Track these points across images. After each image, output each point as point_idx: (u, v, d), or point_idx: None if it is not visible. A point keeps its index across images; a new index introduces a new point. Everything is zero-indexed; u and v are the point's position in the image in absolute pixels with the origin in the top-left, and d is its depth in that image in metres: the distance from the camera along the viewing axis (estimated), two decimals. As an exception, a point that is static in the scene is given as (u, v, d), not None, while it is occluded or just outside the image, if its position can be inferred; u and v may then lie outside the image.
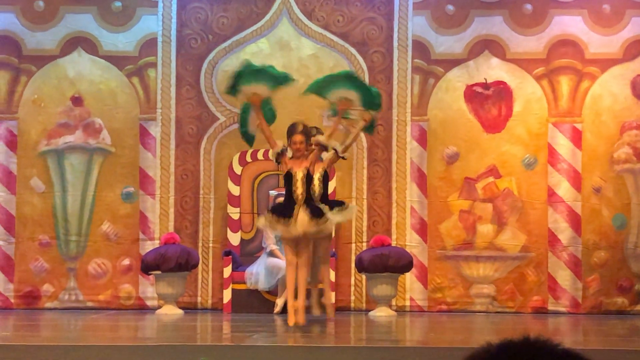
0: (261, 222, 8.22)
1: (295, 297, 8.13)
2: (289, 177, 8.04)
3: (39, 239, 10.33)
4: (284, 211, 8.01)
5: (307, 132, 8.16)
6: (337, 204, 8.22)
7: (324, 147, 8.15)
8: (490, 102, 10.35)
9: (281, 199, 9.49)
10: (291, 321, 7.94)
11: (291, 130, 8.12)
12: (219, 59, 10.44)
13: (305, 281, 8.12)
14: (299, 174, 7.98)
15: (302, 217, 7.90)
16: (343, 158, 8.33)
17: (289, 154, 8.20)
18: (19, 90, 10.41)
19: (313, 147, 8.15)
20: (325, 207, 8.03)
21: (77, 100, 10.42)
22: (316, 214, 7.93)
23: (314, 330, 7.95)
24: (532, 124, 10.34)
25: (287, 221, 7.90)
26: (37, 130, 10.39)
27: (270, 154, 8.24)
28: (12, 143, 10.37)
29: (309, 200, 7.97)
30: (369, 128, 8.77)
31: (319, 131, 8.36)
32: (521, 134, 10.32)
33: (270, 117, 8.44)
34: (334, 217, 8.03)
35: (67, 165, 10.39)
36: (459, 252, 10.29)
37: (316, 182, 8.06)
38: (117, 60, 10.43)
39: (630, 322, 9.38)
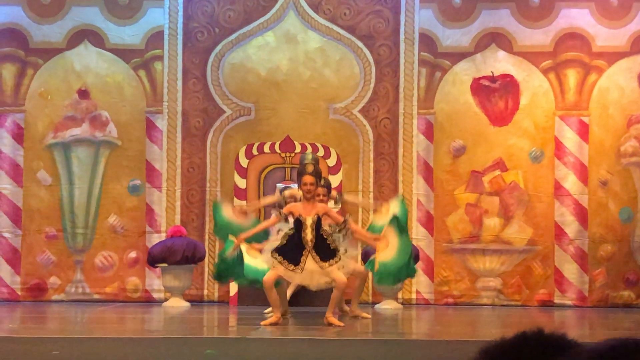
0: (266, 257, 7.86)
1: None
2: (298, 223, 7.74)
3: (45, 232, 10.35)
4: (292, 255, 7.69)
5: (318, 173, 7.80)
6: (333, 254, 7.87)
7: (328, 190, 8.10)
8: (497, 95, 10.34)
9: (287, 192, 9.47)
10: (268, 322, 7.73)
11: (302, 171, 7.76)
12: (225, 52, 10.44)
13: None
14: (309, 220, 7.68)
15: (310, 266, 7.65)
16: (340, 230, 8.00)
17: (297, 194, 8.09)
18: (25, 83, 10.42)
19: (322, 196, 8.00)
20: (337, 252, 7.74)
21: (83, 93, 10.43)
22: (326, 257, 7.68)
23: (319, 323, 7.95)
24: (539, 117, 10.32)
25: (294, 267, 7.66)
26: (43, 123, 10.41)
27: (275, 214, 8.09)
28: (18, 136, 10.39)
29: (317, 245, 7.73)
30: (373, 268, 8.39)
31: (317, 170, 7.96)
32: (528, 127, 10.31)
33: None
34: (345, 262, 7.77)
35: (73, 158, 10.40)
36: (466, 245, 10.29)
37: (324, 223, 7.81)
38: (123, 53, 10.43)
39: (636, 316, 9.36)
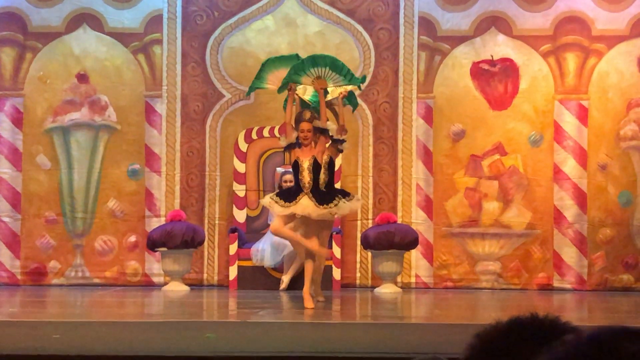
0: (265, 200, 8.17)
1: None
2: (296, 166, 7.98)
3: (45, 216, 10.35)
4: (288, 196, 7.95)
5: (315, 119, 8.04)
6: (343, 195, 8.10)
7: (321, 131, 8.03)
8: (497, 79, 10.33)
9: (286, 177, 9.50)
10: (308, 305, 7.81)
11: (299, 118, 7.99)
12: (224, 36, 10.42)
13: (313, 268, 8.01)
14: (306, 163, 7.89)
15: (306, 202, 7.84)
16: (341, 142, 8.12)
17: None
18: (24, 67, 10.40)
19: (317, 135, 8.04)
20: (338, 197, 7.92)
21: (82, 77, 10.41)
22: (323, 201, 7.84)
23: (319, 306, 7.97)
24: (538, 101, 10.31)
25: (289, 204, 7.84)
26: (42, 107, 10.40)
27: (282, 141, 8.12)
28: (17, 120, 10.38)
29: (316, 189, 7.89)
30: (352, 101, 8.64)
31: (314, 116, 8.13)
32: (527, 111, 10.30)
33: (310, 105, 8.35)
34: (342, 206, 7.92)
35: (72, 143, 10.39)
36: (465, 229, 10.30)
37: (322, 169, 7.95)
38: (122, 37, 10.41)
39: (635, 299, 9.39)
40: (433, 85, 10.35)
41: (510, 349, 1.29)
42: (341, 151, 8.24)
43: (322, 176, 7.94)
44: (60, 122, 10.37)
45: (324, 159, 7.95)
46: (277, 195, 8.04)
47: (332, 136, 8.09)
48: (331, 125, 8.10)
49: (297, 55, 8.68)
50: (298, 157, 7.93)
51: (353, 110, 9.09)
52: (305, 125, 7.92)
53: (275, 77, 8.42)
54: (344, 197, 8.01)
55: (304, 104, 8.30)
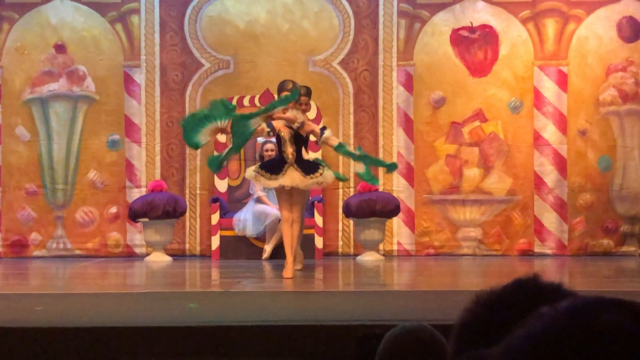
0: (248, 173, 8.10)
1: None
2: (278, 139, 7.93)
3: (25, 188, 10.30)
4: (273, 168, 7.91)
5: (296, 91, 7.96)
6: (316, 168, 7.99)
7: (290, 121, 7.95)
8: (476, 46, 10.32)
9: (267, 145, 9.48)
10: (286, 274, 7.80)
11: (280, 88, 7.92)
12: (203, 5, 10.35)
13: (296, 237, 8.00)
14: (287, 135, 7.85)
15: (292, 173, 7.81)
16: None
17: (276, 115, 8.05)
18: (1, 38, 10.31)
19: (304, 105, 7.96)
20: (322, 166, 7.87)
21: (60, 48, 10.33)
22: (308, 171, 7.81)
23: (302, 275, 7.98)
24: (518, 67, 10.32)
25: (276, 176, 7.80)
26: (20, 78, 10.32)
27: (264, 134, 8.00)
28: (-5, 92, 10.29)
29: (300, 160, 7.84)
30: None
31: (295, 85, 8.00)
32: (507, 77, 10.31)
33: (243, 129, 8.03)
34: (327, 175, 7.86)
35: (51, 114, 10.33)
36: (446, 196, 10.33)
37: (304, 138, 7.90)
38: (99, 6, 10.32)
39: (615, 263, 9.46)
40: (413, 53, 10.33)
41: (511, 314, 1.28)
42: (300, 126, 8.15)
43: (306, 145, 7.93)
44: (38, 93, 10.30)
45: (307, 131, 7.90)
46: (260, 167, 7.98)
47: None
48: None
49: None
50: (279, 129, 7.88)
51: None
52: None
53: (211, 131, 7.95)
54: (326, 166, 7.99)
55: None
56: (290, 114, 7.77)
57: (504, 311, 1.29)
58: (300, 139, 7.87)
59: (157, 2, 10.31)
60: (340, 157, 10.23)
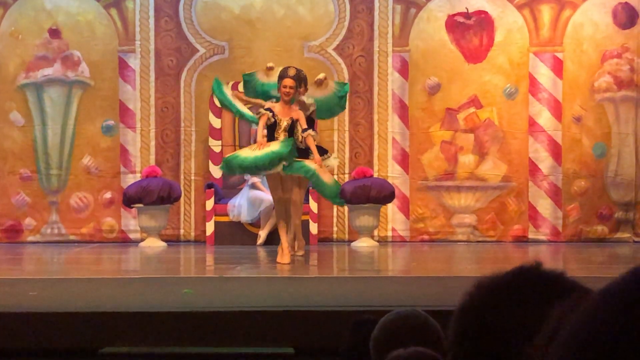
0: None
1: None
2: (272, 125, 7.88)
3: (19, 173, 10.29)
4: None
5: (299, 78, 7.92)
6: (321, 152, 8.06)
7: (304, 107, 8.00)
8: (472, 32, 10.30)
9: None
10: (283, 259, 7.80)
11: (283, 74, 7.90)
12: (198, -10, 10.30)
13: (291, 220, 8.00)
14: (284, 123, 7.83)
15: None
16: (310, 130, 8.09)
17: (276, 100, 8.06)
18: (-5, 22, 10.27)
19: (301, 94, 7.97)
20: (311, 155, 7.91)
21: (54, 33, 10.30)
22: (302, 157, 7.82)
23: (296, 261, 7.99)
24: (513, 53, 10.31)
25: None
26: (15, 63, 10.28)
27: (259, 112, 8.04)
28: (-10, 77, 10.26)
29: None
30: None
31: (298, 72, 8.03)
32: (502, 63, 10.30)
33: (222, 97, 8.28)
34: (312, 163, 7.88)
35: (46, 99, 10.30)
36: (441, 182, 10.33)
37: (299, 129, 7.91)
38: (94, -9, 10.28)
39: (610, 250, 9.48)
40: (408, 39, 10.31)
41: (512, 301, 1.27)
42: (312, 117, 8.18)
43: (299, 134, 7.90)
44: (33, 78, 10.28)
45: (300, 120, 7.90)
46: None
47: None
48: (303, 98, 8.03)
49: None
50: (276, 115, 7.85)
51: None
52: (288, 82, 7.85)
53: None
54: (322, 155, 8.00)
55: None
56: (306, 99, 7.87)
57: (505, 297, 1.28)
58: (293, 127, 7.86)
59: (152, -13, 10.27)
60: (335, 143, 10.23)
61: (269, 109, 7.88)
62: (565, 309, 1.05)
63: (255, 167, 7.86)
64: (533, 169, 10.27)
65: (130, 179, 10.13)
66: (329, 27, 10.31)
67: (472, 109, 10.31)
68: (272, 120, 7.87)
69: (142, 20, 10.29)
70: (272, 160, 7.66)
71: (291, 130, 7.85)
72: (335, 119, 10.27)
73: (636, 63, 10.29)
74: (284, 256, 7.76)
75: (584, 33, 10.27)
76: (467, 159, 10.33)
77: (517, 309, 1.26)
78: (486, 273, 1.31)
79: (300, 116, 7.92)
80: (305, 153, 7.90)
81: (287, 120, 7.85)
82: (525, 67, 10.27)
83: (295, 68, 8.01)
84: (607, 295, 0.99)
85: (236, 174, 8.39)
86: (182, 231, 10.28)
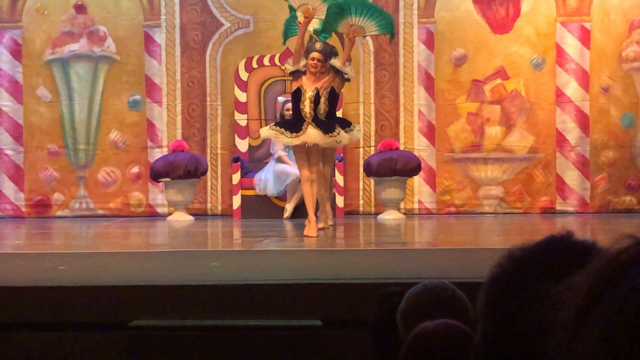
0: (264, 132, 8.09)
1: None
2: (297, 94, 7.91)
3: (47, 148, 10.36)
4: (291, 127, 7.91)
5: (327, 52, 7.93)
6: (344, 124, 8.07)
7: (338, 72, 7.93)
8: (498, 2, 10.22)
9: (289, 105, 9.47)
10: (310, 232, 7.82)
11: (310, 47, 7.92)
12: (222, -37, 10.28)
13: (317, 195, 8.00)
14: (309, 93, 7.83)
15: (313, 131, 7.81)
16: (348, 80, 8.06)
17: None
18: (21, -2, 10.31)
19: (328, 68, 7.94)
20: (337, 126, 7.91)
21: (80, 8, 10.32)
22: (326, 130, 7.82)
23: (323, 234, 8.01)
24: (540, 24, 10.23)
25: (297, 134, 7.80)
26: (41, 39, 10.33)
27: (288, 64, 8.02)
28: (16, 52, 10.32)
29: (316, 118, 7.86)
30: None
31: (333, 52, 8.02)
32: (529, 34, 10.22)
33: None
34: (342, 135, 7.90)
35: (72, 74, 10.35)
36: (467, 154, 10.30)
37: (322, 100, 7.89)
38: (119, -34, 10.29)
39: (638, 220, 9.42)
40: (434, 10, 10.25)
41: (543, 270, 1.26)
42: (348, 80, 8.11)
43: (323, 106, 7.88)
44: (59, 54, 10.32)
45: (325, 90, 7.88)
46: (278, 126, 7.97)
47: (340, 72, 7.96)
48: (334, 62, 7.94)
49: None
50: (302, 85, 7.88)
51: (391, 40, 8.73)
52: (316, 55, 7.83)
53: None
54: (346, 127, 8.00)
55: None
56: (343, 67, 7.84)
57: (536, 267, 1.27)
58: (318, 100, 7.85)
59: (177, -39, 10.26)
60: (361, 116, 10.21)
61: (300, 74, 7.84)
62: (597, 280, 1.00)
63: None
64: (560, 140, 10.21)
65: (157, 154, 10.18)
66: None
67: (499, 80, 10.26)
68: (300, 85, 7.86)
69: (167, -5, 10.28)
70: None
71: (316, 100, 7.85)
72: (361, 90, 10.24)
73: (665, 32, 10.18)
74: (310, 229, 7.78)
75: (611, 2, 10.17)
76: (493, 131, 10.29)
77: (548, 279, 1.25)
78: (514, 245, 1.30)
79: (334, 81, 7.86)
80: (331, 126, 7.86)
81: (312, 91, 7.85)
82: (552, 38, 10.19)
83: (322, 41, 7.98)
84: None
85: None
86: (209, 205, 10.32)
